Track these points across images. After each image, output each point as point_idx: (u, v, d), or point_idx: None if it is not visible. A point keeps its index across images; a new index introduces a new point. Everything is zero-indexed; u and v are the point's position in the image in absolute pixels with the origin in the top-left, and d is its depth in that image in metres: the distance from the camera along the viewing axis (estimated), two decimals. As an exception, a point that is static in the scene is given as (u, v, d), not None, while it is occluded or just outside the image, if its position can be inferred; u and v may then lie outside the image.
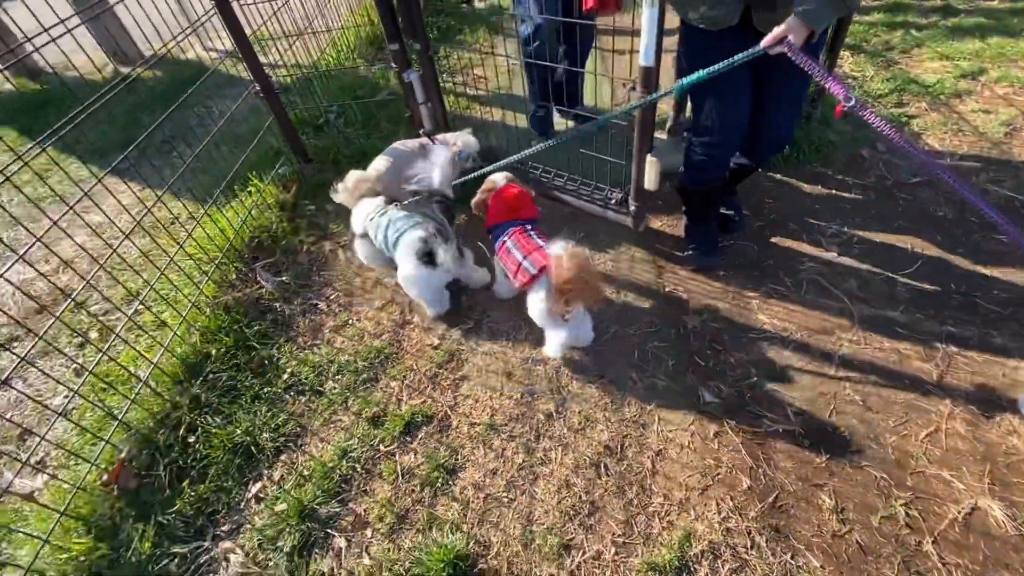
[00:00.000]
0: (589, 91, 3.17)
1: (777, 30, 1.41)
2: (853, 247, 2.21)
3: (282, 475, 1.70)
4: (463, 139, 2.45)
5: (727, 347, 1.90)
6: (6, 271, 1.53)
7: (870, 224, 2.30)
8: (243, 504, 1.64)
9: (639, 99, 1.80)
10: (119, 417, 1.74)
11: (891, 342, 1.86)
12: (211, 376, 1.95)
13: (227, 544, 1.55)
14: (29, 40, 1.61)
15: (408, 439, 1.75)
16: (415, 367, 1.95)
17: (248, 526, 1.58)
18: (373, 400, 1.86)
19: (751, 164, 2.12)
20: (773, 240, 2.28)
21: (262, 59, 2.56)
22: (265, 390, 1.91)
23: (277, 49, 3.50)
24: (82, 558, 1.52)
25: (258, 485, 1.68)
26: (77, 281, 2.45)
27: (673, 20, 1.83)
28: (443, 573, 1.41)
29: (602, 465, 1.63)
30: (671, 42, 2.51)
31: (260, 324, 2.13)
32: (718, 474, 1.59)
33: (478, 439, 1.73)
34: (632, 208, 2.26)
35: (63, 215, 1.66)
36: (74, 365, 2.11)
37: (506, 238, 1.86)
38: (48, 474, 1.70)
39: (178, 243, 2.21)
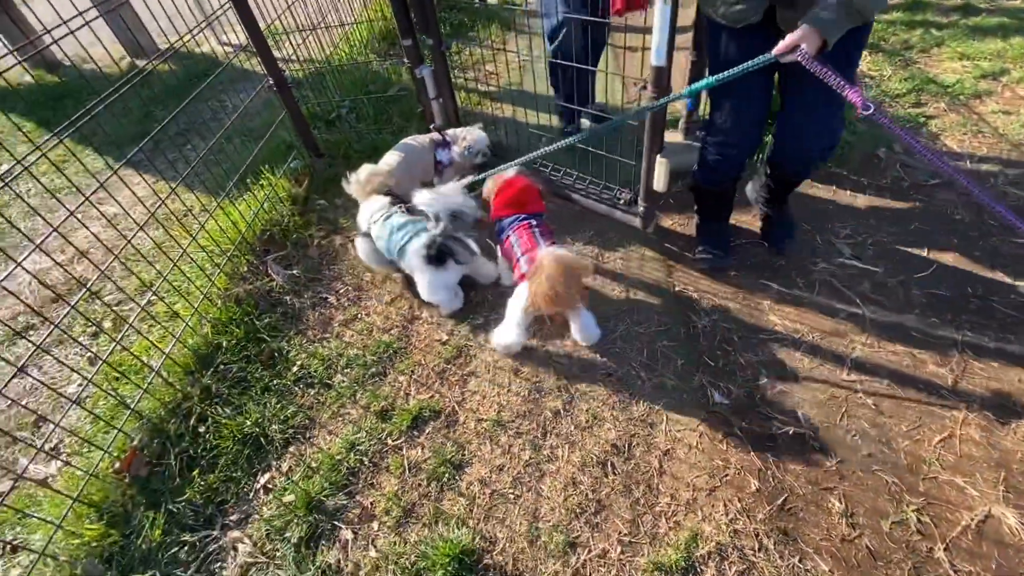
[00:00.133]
0: (600, 89, 3.15)
1: (789, 38, 1.38)
2: (867, 249, 2.18)
3: (290, 466, 1.71)
4: (473, 134, 2.45)
5: (737, 347, 1.88)
6: (23, 260, 1.55)
7: (885, 226, 2.27)
8: (252, 494, 1.66)
9: (650, 100, 1.78)
10: (131, 406, 1.76)
11: (905, 346, 1.83)
12: (222, 367, 1.97)
13: (235, 533, 1.57)
14: (48, 32, 1.62)
15: (415, 433, 1.75)
16: (423, 362, 1.96)
17: (256, 516, 1.60)
18: (381, 394, 1.87)
19: (788, 174, 2.02)
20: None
21: (275, 53, 2.57)
22: (275, 382, 1.93)
23: (291, 43, 3.52)
24: (94, 544, 1.55)
25: (267, 476, 1.69)
26: (92, 271, 2.48)
27: (685, 18, 1.81)
28: (448, 568, 1.41)
29: (609, 463, 1.62)
30: (683, 40, 2.49)
31: (270, 317, 2.15)
32: (726, 475, 1.57)
33: (485, 435, 1.73)
34: (641, 209, 2.24)
35: (79, 206, 1.68)
36: (88, 354, 2.14)
37: (510, 232, 1.87)
38: (62, 461, 1.73)
39: (191, 235, 2.23)
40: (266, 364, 1.99)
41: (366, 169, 2.14)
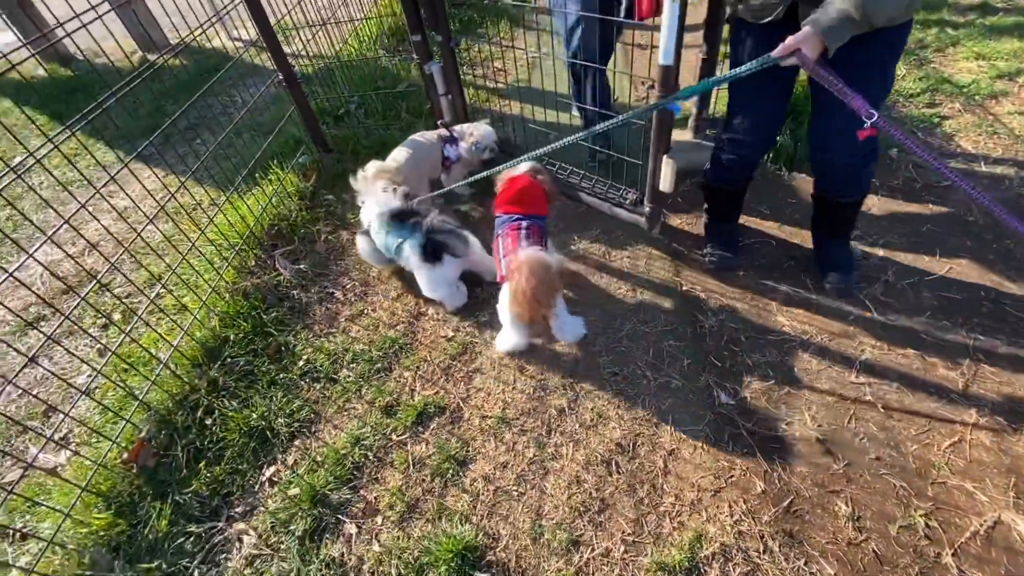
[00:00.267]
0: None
1: (789, 40, 1.34)
2: (878, 250, 2.15)
3: (296, 460, 1.72)
4: (480, 130, 2.44)
5: (744, 348, 1.87)
6: (35, 251, 1.57)
7: (897, 227, 2.24)
8: (257, 487, 1.67)
9: (658, 99, 1.76)
10: (140, 397, 1.78)
11: (915, 349, 1.81)
12: (229, 360, 1.98)
13: (241, 525, 1.58)
14: (61, 25, 1.64)
15: (420, 429, 1.76)
16: (429, 358, 1.96)
17: (261, 509, 1.61)
18: (386, 389, 1.87)
19: (822, 190, 1.93)
20: (795, 241, 2.23)
21: (285, 49, 2.58)
22: (281, 376, 1.94)
23: (300, 39, 3.53)
24: (101, 533, 1.56)
25: (272, 469, 1.70)
26: (102, 263, 2.51)
27: (694, 16, 1.79)
28: (451, 563, 1.42)
29: (613, 462, 1.62)
30: (694, 38, 2.47)
31: (277, 311, 2.16)
32: (731, 476, 1.56)
33: (489, 432, 1.73)
34: (647, 209, 2.23)
35: (90, 198, 1.70)
36: (98, 345, 2.16)
37: (500, 231, 1.85)
38: (71, 450, 1.75)
39: (200, 229, 2.24)
40: (273, 358, 2.00)
41: (373, 165, 2.15)
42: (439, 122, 2.58)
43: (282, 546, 1.53)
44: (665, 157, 1.97)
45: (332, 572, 1.46)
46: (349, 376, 1.93)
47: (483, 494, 1.59)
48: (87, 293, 1.66)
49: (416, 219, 1.92)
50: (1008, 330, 1.82)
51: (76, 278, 2.52)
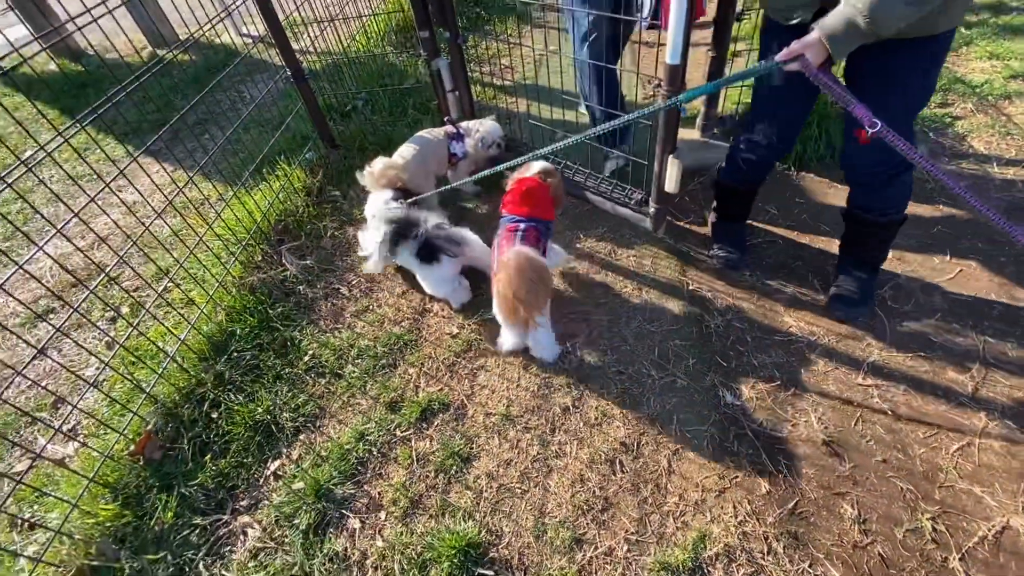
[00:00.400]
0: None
1: (794, 45, 1.31)
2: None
3: (300, 454, 1.73)
4: (486, 125, 2.44)
5: (750, 348, 1.86)
6: (44, 244, 1.58)
7: (907, 228, 2.20)
8: (262, 480, 1.68)
9: (663, 99, 1.75)
10: (147, 390, 1.79)
11: (924, 351, 1.79)
12: (235, 355, 1.99)
13: (245, 518, 1.59)
14: (72, 20, 1.65)
15: (424, 425, 1.76)
16: (433, 355, 1.96)
17: (266, 502, 1.62)
18: (391, 385, 1.88)
19: (853, 207, 1.81)
20: (803, 241, 2.22)
21: (293, 45, 2.59)
22: (286, 371, 1.95)
23: (308, 35, 3.53)
24: (108, 524, 1.58)
25: (277, 463, 1.71)
26: (111, 257, 2.53)
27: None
28: (454, 559, 1.42)
29: (617, 461, 1.61)
30: (703, 35, 2.45)
31: (284, 306, 2.17)
32: (736, 477, 1.56)
33: (493, 429, 1.73)
34: (652, 210, 2.22)
35: (99, 192, 1.71)
36: (106, 338, 2.18)
37: (500, 232, 1.81)
38: (79, 442, 1.76)
39: (207, 224, 2.25)
40: (278, 352, 2.01)
41: (381, 161, 2.15)
42: (445, 118, 2.57)
43: (286, 540, 1.53)
44: (671, 157, 1.95)
45: (335, 566, 1.47)
46: (354, 372, 1.93)
47: (486, 491, 1.59)
48: (96, 286, 1.67)
49: (415, 231, 1.91)
50: (1019, 333, 1.80)
51: (85, 271, 2.54)
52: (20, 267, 1.46)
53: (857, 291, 1.87)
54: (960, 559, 1.35)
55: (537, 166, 1.93)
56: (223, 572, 1.49)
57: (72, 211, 1.63)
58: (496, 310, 1.71)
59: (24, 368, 1.54)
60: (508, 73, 3.54)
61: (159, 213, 1.92)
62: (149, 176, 2.04)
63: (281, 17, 2.47)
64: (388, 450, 1.71)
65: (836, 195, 2.41)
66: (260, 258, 2.37)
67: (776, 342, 1.87)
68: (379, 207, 2.03)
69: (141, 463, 1.71)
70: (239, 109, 3.40)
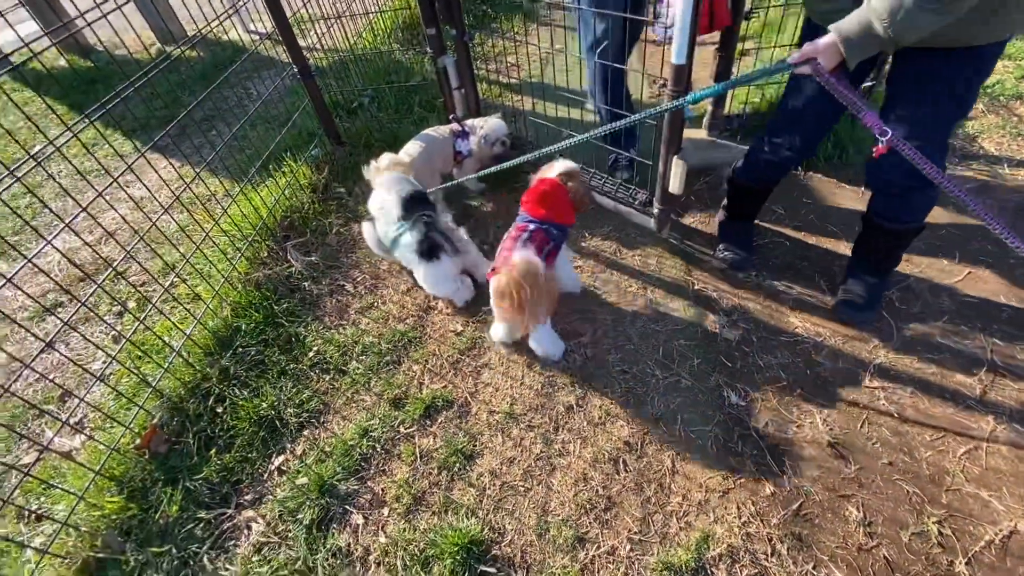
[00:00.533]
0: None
1: (807, 47, 1.28)
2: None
3: (304, 450, 1.74)
4: (490, 123, 2.44)
5: (756, 349, 1.85)
6: (53, 238, 1.59)
7: (915, 230, 2.19)
8: (266, 475, 1.69)
9: (669, 99, 1.73)
10: (153, 384, 1.80)
11: (931, 354, 1.77)
12: (240, 350, 2.00)
13: (249, 513, 1.60)
14: (82, 15, 1.66)
15: (428, 423, 1.76)
16: (437, 352, 1.97)
17: (270, 497, 1.63)
18: (395, 382, 1.88)
19: (875, 214, 1.75)
20: (810, 241, 2.20)
21: (300, 42, 2.59)
22: (291, 366, 1.95)
23: (315, 32, 3.54)
24: (114, 516, 1.59)
25: (281, 458, 1.72)
26: (118, 252, 2.54)
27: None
28: (457, 556, 1.42)
29: (621, 461, 1.61)
30: (710, 35, 2.43)
31: (289, 302, 2.18)
32: (740, 478, 1.55)
33: (497, 427, 1.73)
34: (656, 211, 2.21)
35: (107, 187, 1.72)
36: (113, 332, 2.20)
37: (510, 230, 1.79)
38: (86, 435, 1.78)
39: (214, 219, 2.26)
40: (283, 348, 2.02)
41: (387, 157, 2.15)
42: (451, 116, 2.57)
43: (290, 534, 1.54)
44: (675, 158, 1.94)
45: (339, 562, 1.48)
46: (358, 368, 1.94)
47: (489, 489, 1.59)
48: (103, 281, 1.69)
49: (426, 211, 1.91)
50: (1029, 336, 1.78)
51: (93, 266, 2.56)
52: (29, 260, 1.48)
53: (865, 295, 1.84)
54: (966, 563, 1.34)
55: (560, 166, 1.87)
56: (227, 566, 1.50)
57: (80, 206, 1.64)
58: (493, 304, 1.70)
59: (32, 361, 1.56)
60: (514, 71, 3.54)
61: (166, 208, 1.93)
62: (156, 172, 2.06)
63: (288, 14, 2.47)
64: (392, 446, 1.71)
65: (844, 196, 2.40)
66: (266, 254, 2.37)
67: (782, 343, 1.86)
68: (395, 186, 2.00)
69: (147, 457, 1.72)
70: (246, 106, 3.41)
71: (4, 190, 1.42)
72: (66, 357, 1.70)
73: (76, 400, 1.92)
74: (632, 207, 2.33)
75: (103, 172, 2.17)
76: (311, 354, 1.99)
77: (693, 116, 2.84)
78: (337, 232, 2.52)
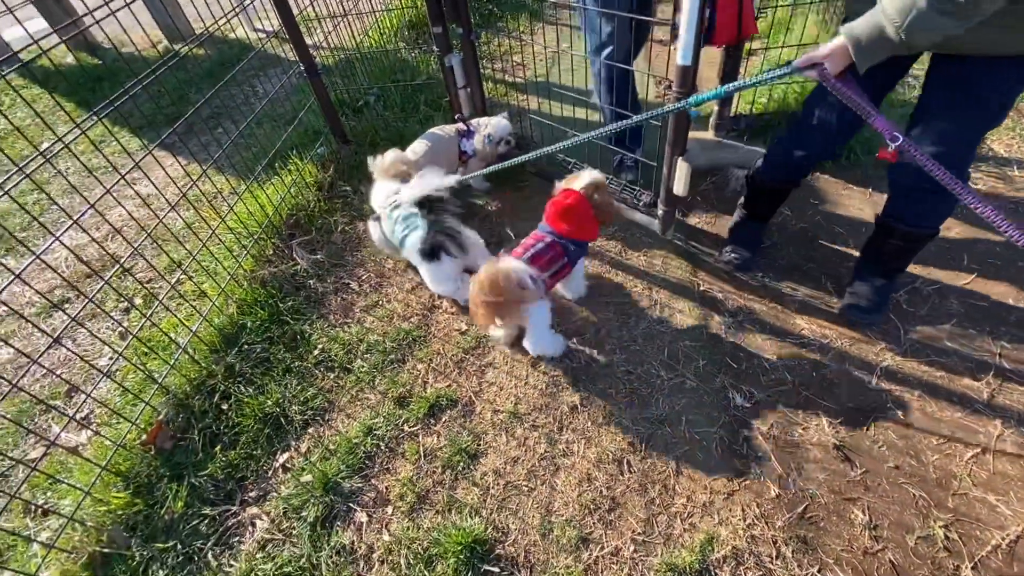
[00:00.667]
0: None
1: (814, 51, 1.26)
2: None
3: (309, 447, 1.74)
4: (495, 122, 2.43)
5: (761, 350, 1.84)
6: (61, 235, 1.60)
7: (923, 232, 2.18)
8: (271, 472, 1.69)
9: (674, 101, 1.72)
10: (159, 381, 1.81)
11: (939, 357, 1.76)
12: (246, 347, 2.00)
13: (254, 510, 1.61)
14: (90, 12, 1.66)
15: (432, 421, 1.76)
16: (442, 351, 1.97)
17: (274, 494, 1.63)
18: (400, 381, 1.88)
19: (890, 219, 1.72)
20: (816, 243, 2.19)
21: (307, 40, 2.59)
22: (296, 364, 1.96)
23: (322, 30, 3.54)
24: (119, 511, 1.60)
25: (286, 455, 1.73)
26: (125, 248, 2.55)
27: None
28: (460, 555, 1.42)
29: (625, 461, 1.61)
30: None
31: (294, 300, 2.18)
32: (745, 480, 1.54)
33: (501, 426, 1.73)
34: (660, 212, 2.20)
35: (114, 184, 1.73)
36: (119, 328, 2.21)
37: (527, 237, 1.78)
38: (92, 430, 1.79)
39: (220, 217, 2.27)
40: (288, 346, 2.02)
41: (392, 153, 2.15)
42: (456, 115, 2.57)
43: (294, 532, 1.55)
44: (680, 160, 1.93)
45: (342, 559, 1.48)
46: (363, 366, 1.94)
47: (493, 488, 1.59)
48: (110, 277, 1.69)
49: (439, 208, 1.91)
50: (1037, 340, 1.77)
51: (100, 262, 2.57)
52: (37, 256, 1.48)
53: (873, 298, 1.82)
54: (972, 568, 1.33)
55: (587, 177, 1.79)
56: (231, 562, 1.50)
57: (88, 202, 1.65)
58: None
59: (40, 356, 1.57)
60: (520, 70, 3.53)
61: (173, 206, 1.94)
62: (163, 169, 2.06)
63: (295, 12, 2.47)
64: (396, 445, 1.72)
65: (850, 197, 2.38)
66: (271, 252, 2.38)
67: (788, 344, 1.85)
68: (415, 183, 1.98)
69: (152, 453, 1.73)
70: (252, 104, 3.42)
71: (13, 186, 1.42)
72: (73, 353, 1.71)
73: (83, 396, 1.93)
74: (636, 208, 2.32)
75: (110, 169, 2.18)
76: (316, 352, 2.00)
77: (699, 116, 2.84)
78: (342, 230, 2.52)
